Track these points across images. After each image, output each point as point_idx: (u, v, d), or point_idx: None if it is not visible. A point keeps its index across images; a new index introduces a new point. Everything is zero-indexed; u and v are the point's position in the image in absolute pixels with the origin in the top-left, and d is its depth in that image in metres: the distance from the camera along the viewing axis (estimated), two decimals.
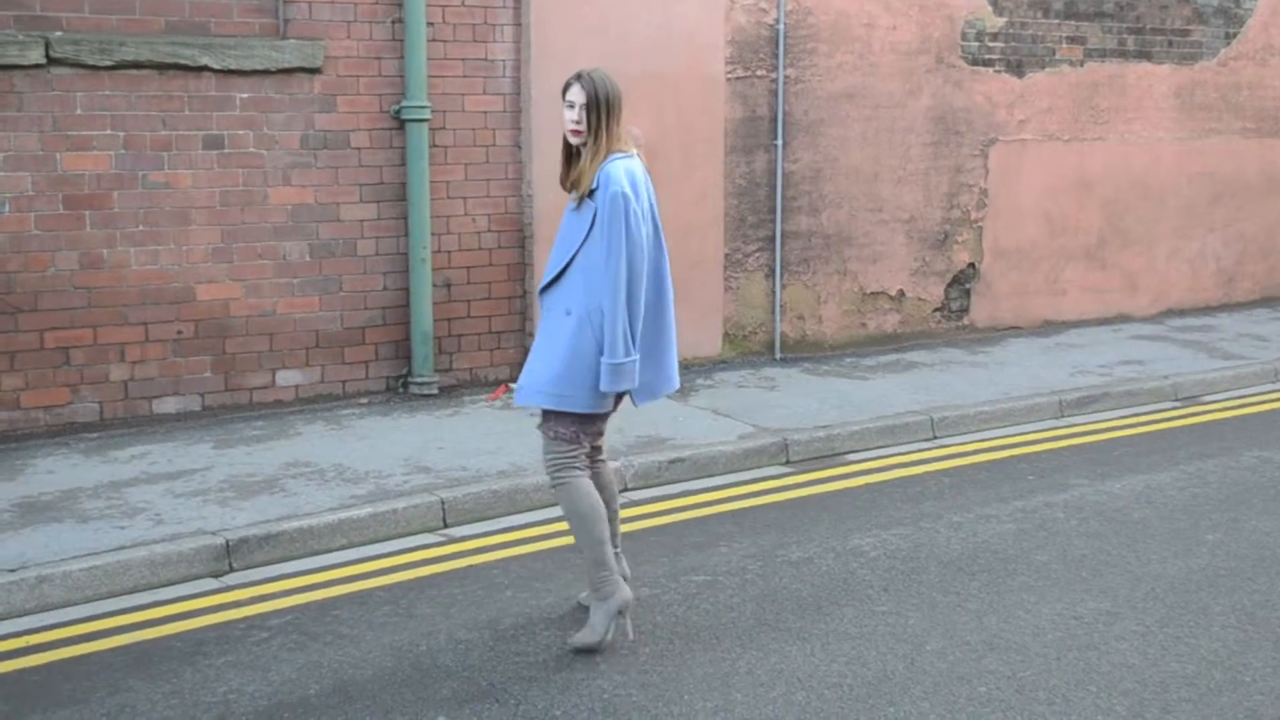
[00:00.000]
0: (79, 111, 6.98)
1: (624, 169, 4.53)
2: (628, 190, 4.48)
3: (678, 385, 4.84)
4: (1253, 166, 11.76)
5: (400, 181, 7.87)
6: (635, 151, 4.67)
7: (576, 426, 4.68)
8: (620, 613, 4.67)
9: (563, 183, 4.74)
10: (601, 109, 4.54)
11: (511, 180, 8.25)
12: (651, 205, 4.70)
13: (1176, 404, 8.67)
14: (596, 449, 4.89)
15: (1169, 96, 11.12)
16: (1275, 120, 11.84)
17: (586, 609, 4.95)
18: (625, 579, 4.87)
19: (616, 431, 7.21)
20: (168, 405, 7.38)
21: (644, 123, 8.52)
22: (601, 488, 4.87)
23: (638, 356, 4.57)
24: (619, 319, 4.49)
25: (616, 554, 4.90)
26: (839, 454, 7.35)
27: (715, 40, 8.83)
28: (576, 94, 4.57)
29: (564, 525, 5.35)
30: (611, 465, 4.98)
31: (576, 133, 4.59)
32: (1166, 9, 11.01)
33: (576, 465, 4.69)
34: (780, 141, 9.16)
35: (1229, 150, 11.57)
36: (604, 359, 4.51)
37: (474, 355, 8.27)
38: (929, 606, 5.07)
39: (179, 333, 7.36)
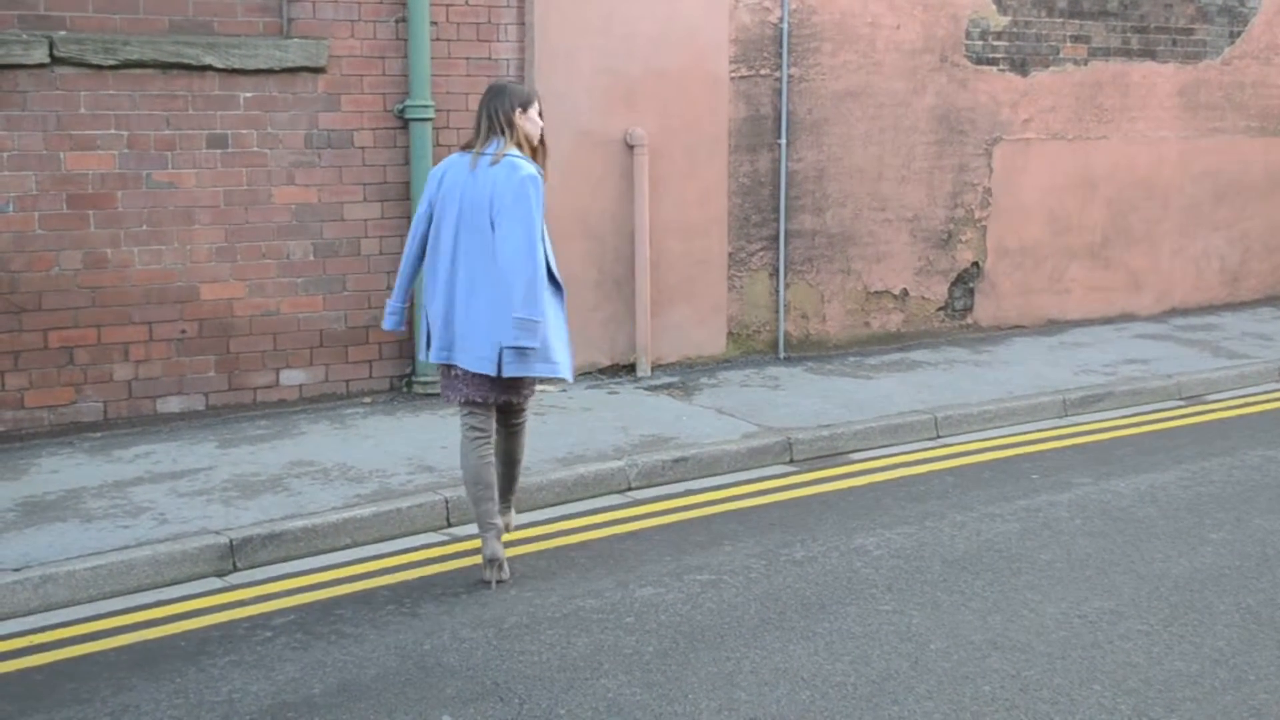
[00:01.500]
0: (83, 111, 6.99)
1: (443, 164, 5.39)
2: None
3: (490, 370, 5.16)
4: (1257, 165, 11.74)
5: (404, 181, 7.87)
6: (500, 154, 5.28)
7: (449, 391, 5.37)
8: (490, 563, 5.26)
9: None
10: None
11: None
12: (467, 195, 5.26)
13: (1180, 403, 8.66)
14: (508, 412, 5.43)
15: (1173, 95, 11.11)
16: (1279, 119, 11.82)
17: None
18: (503, 530, 5.39)
19: (620, 430, 7.23)
20: (171, 405, 7.38)
21: (648, 122, 8.54)
22: (500, 442, 5.44)
23: (399, 305, 5.49)
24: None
25: (505, 506, 5.48)
26: (843, 453, 7.35)
27: (719, 39, 8.82)
28: None
29: (566, 525, 5.36)
30: (522, 432, 5.52)
31: None
32: (1170, 8, 10.99)
33: (465, 429, 5.32)
34: (784, 140, 9.16)
35: (1233, 149, 11.55)
36: None
37: None
38: (933, 606, 5.07)
39: (183, 332, 7.36)
